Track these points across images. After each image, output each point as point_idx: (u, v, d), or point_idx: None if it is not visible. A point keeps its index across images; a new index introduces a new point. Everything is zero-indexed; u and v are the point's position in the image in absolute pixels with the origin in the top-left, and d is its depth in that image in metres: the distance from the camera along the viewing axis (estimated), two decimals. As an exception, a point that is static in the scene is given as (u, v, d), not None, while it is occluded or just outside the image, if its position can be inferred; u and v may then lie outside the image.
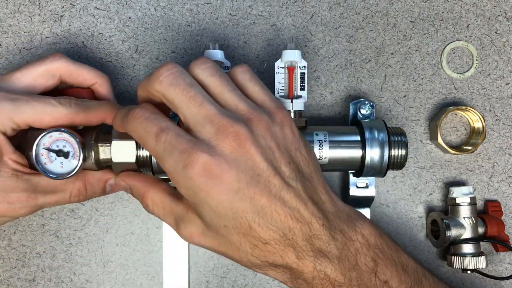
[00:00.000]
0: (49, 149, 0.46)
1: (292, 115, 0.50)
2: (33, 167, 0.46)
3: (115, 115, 0.44)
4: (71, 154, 0.46)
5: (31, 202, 0.46)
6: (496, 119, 0.59)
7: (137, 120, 0.41)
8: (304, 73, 0.50)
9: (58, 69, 0.49)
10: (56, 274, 0.56)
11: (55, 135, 0.46)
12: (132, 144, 0.47)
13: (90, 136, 0.48)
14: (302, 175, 0.42)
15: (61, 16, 0.57)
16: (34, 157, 0.45)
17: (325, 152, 0.49)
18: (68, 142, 0.46)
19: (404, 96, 0.59)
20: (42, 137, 0.46)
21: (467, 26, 0.60)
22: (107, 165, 0.50)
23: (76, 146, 0.46)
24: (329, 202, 0.43)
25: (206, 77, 0.41)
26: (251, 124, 0.40)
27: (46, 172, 0.46)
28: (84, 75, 0.50)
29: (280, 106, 0.42)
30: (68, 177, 0.46)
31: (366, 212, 0.56)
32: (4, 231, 0.56)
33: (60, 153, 0.46)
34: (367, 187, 0.55)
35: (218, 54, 0.50)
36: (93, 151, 0.47)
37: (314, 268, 0.40)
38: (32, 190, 0.46)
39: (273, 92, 0.50)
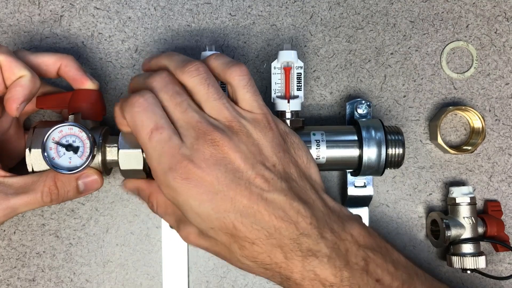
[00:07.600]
0: (58, 143, 0.45)
1: (289, 115, 0.50)
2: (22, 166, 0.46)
3: (118, 103, 0.45)
4: (80, 149, 0.46)
5: (3, 204, 0.45)
6: (496, 119, 0.59)
7: (135, 109, 0.42)
8: (301, 73, 0.50)
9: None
10: (56, 274, 0.56)
11: (65, 129, 0.46)
12: (138, 152, 0.47)
13: (98, 136, 0.48)
14: (289, 176, 0.43)
15: (61, 16, 0.57)
16: (42, 151, 0.45)
17: (322, 152, 0.50)
18: (78, 137, 0.46)
19: (404, 96, 0.59)
20: (52, 131, 0.45)
21: (467, 26, 0.60)
22: (111, 167, 0.50)
23: (86, 141, 0.46)
24: (319, 201, 0.43)
25: (195, 85, 0.43)
26: (231, 130, 0.42)
27: (54, 167, 0.45)
28: (45, 64, 0.49)
29: (266, 112, 0.44)
30: (77, 171, 0.46)
31: (364, 211, 0.56)
32: (4, 231, 0.56)
33: (69, 147, 0.45)
34: (365, 186, 0.55)
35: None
36: (100, 151, 0.47)
37: (303, 268, 0.40)
38: (4, 192, 0.46)
39: (271, 93, 0.50)
